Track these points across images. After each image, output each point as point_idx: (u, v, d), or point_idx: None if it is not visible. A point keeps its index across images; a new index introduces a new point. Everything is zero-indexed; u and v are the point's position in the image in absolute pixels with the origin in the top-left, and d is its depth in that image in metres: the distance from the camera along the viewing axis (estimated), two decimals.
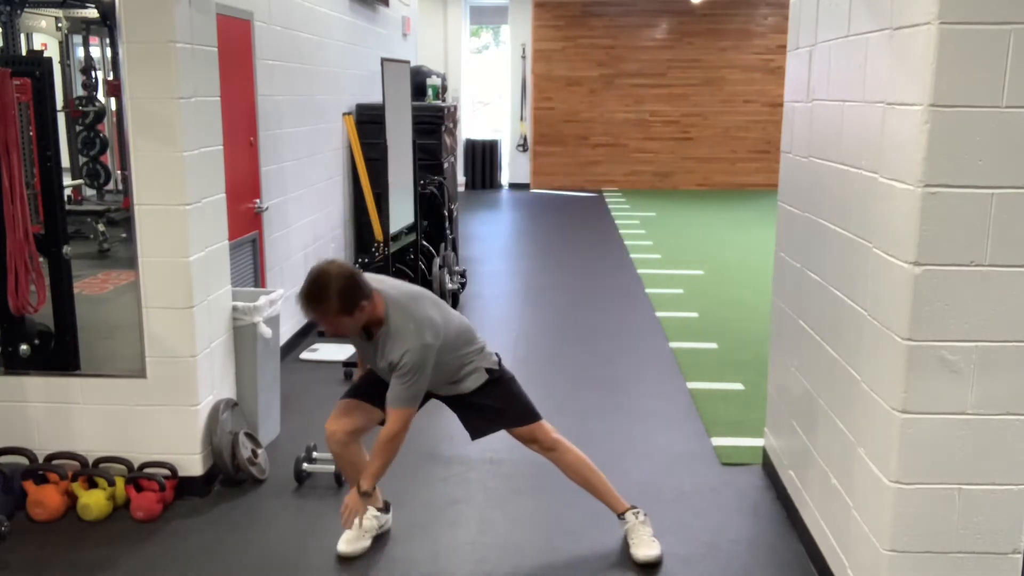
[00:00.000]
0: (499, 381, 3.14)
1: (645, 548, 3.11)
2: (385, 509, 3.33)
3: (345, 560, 3.14)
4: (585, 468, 3.20)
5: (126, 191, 3.42)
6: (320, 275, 2.80)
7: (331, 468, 3.73)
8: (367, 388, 3.14)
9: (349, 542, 3.17)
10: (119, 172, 3.72)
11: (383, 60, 5.11)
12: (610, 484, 3.24)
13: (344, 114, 6.43)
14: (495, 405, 3.13)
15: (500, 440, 4.21)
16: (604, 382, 5.06)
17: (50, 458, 3.53)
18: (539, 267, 8.35)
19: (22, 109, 3.30)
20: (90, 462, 3.53)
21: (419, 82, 7.95)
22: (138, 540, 3.26)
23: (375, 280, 2.98)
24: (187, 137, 3.36)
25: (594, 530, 3.34)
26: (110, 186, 3.91)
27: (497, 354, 3.18)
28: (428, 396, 3.12)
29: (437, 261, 6.14)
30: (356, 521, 3.08)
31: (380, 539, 3.27)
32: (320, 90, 6.21)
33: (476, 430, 3.21)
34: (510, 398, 3.15)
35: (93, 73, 3.86)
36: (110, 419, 3.54)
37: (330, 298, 2.77)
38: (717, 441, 4.19)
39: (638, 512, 3.20)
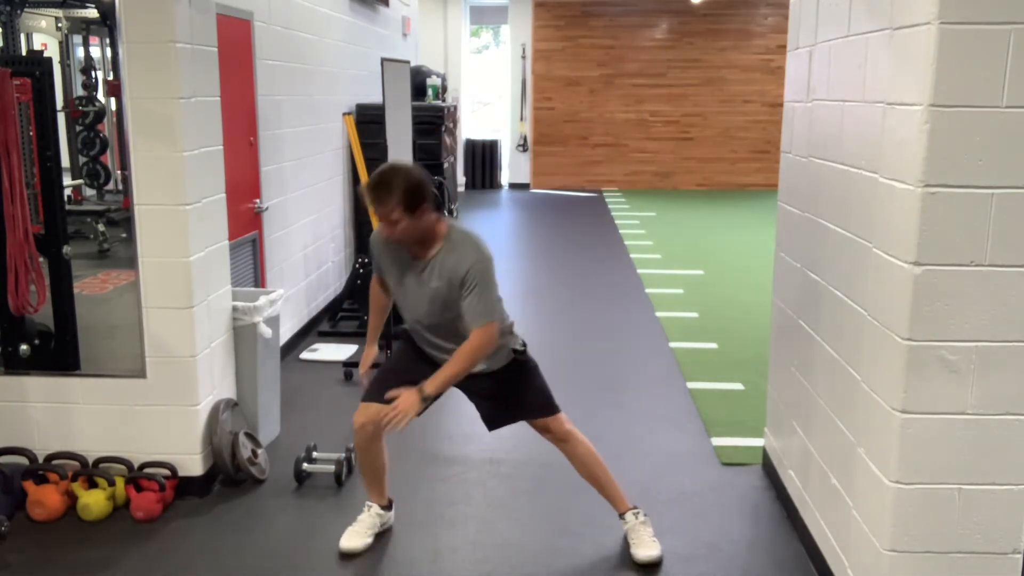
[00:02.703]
0: (524, 365, 3.11)
1: (645, 548, 3.11)
2: (388, 507, 3.33)
3: (346, 557, 3.14)
4: (594, 463, 3.20)
5: (126, 191, 3.42)
6: (390, 168, 2.82)
7: (331, 468, 3.73)
8: (385, 388, 3.10)
9: (351, 539, 3.18)
10: (119, 172, 3.72)
11: (383, 60, 5.11)
12: (616, 482, 3.24)
13: (344, 114, 6.42)
14: (515, 392, 3.10)
15: (500, 440, 4.21)
16: (604, 382, 5.06)
17: (50, 458, 3.53)
18: (539, 267, 8.35)
19: (22, 109, 3.30)
20: (90, 462, 3.53)
21: (419, 82, 7.96)
22: (138, 540, 3.26)
23: None
24: (187, 137, 3.36)
25: (594, 530, 3.34)
26: (110, 186, 3.91)
27: (524, 340, 3.16)
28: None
29: None
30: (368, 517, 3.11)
31: (380, 538, 3.27)
32: (320, 90, 6.21)
33: (493, 420, 3.18)
34: (532, 386, 3.12)
35: (93, 73, 3.86)
36: (110, 419, 3.54)
37: (396, 189, 2.74)
38: (717, 441, 4.19)
39: (639, 512, 3.20)
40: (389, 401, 2.86)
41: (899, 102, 2.34)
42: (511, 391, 3.11)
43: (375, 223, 5.94)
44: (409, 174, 2.81)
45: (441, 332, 3.01)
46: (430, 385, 2.85)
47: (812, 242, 3.17)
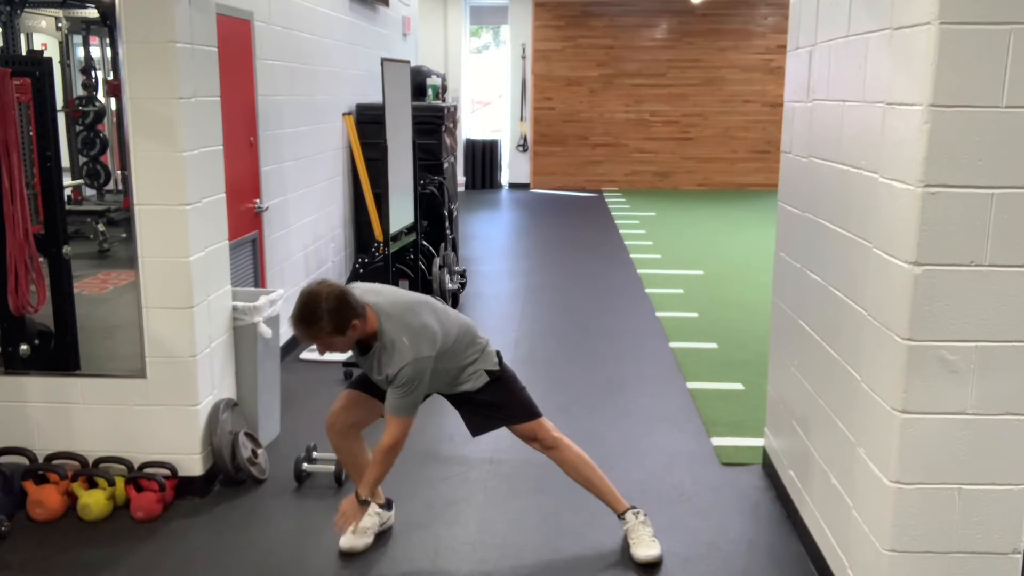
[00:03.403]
0: (500, 380, 3.14)
1: (645, 548, 3.11)
2: (387, 506, 3.33)
3: (346, 556, 3.14)
4: (586, 467, 3.21)
5: (126, 191, 3.42)
6: (310, 297, 2.79)
7: (331, 468, 3.73)
8: (370, 381, 3.14)
9: (351, 538, 3.18)
10: (119, 172, 3.72)
11: (383, 60, 5.11)
12: (611, 484, 3.24)
13: (344, 114, 6.43)
14: (496, 402, 3.13)
15: (500, 440, 4.21)
16: (604, 382, 5.06)
17: (50, 458, 3.53)
18: (539, 267, 8.35)
19: (22, 109, 3.30)
20: (90, 462, 3.53)
21: (419, 82, 7.95)
22: (138, 540, 3.26)
23: (371, 291, 2.97)
24: (187, 137, 3.36)
25: (594, 530, 3.34)
26: (110, 186, 3.91)
27: (499, 352, 3.18)
28: (427, 395, 3.12)
29: (437, 261, 6.14)
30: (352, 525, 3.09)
31: (381, 538, 3.27)
32: (320, 90, 6.21)
33: (476, 427, 3.20)
34: (511, 396, 3.15)
35: (93, 73, 3.86)
36: (110, 419, 3.54)
37: (321, 319, 2.76)
38: (717, 441, 4.19)
39: (638, 512, 3.20)
40: (373, 400, 3.05)
41: (899, 102, 2.33)
42: (489, 400, 3.13)
43: (375, 225, 5.90)
44: (330, 298, 2.78)
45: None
46: (362, 490, 2.96)
47: (812, 242, 3.17)
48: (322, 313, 2.77)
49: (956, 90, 2.17)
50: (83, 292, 3.58)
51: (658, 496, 3.60)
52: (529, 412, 3.15)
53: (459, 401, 3.17)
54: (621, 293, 7.21)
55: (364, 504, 2.97)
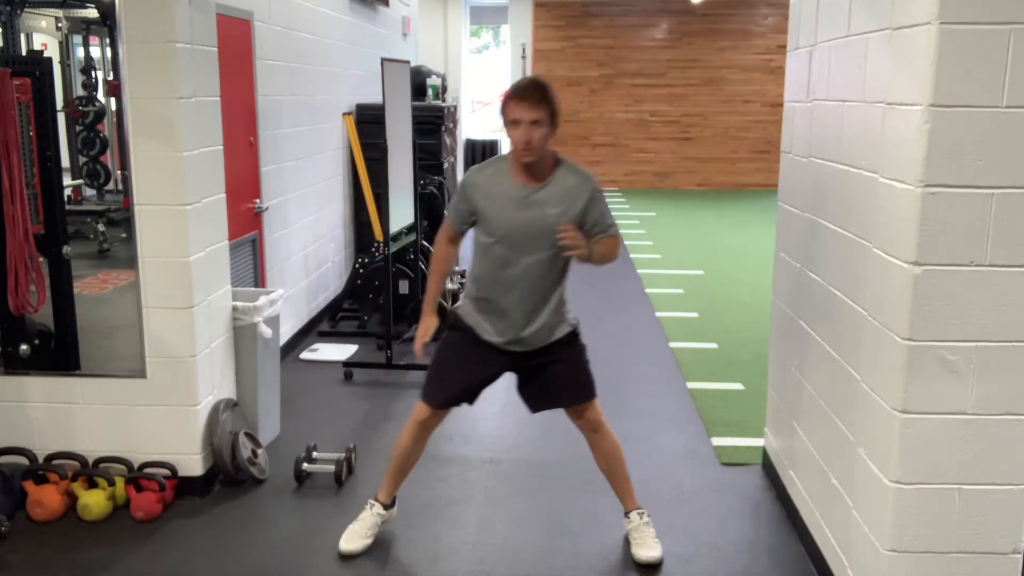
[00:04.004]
0: (577, 340, 3.13)
1: (647, 549, 3.11)
2: (391, 505, 3.33)
3: (346, 558, 3.14)
4: (616, 460, 3.22)
5: (126, 191, 3.42)
6: (540, 79, 2.92)
7: (331, 468, 3.74)
8: (448, 385, 3.12)
9: (351, 540, 3.18)
10: (119, 172, 3.72)
11: (383, 60, 5.11)
12: (631, 482, 3.25)
13: (344, 114, 6.42)
14: (567, 370, 3.10)
15: (500, 440, 4.21)
16: (604, 382, 5.00)
17: (50, 458, 3.53)
18: None
19: (22, 109, 3.30)
20: (90, 462, 3.53)
21: (419, 82, 7.96)
22: (138, 540, 3.26)
23: None
24: (187, 137, 3.36)
25: (594, 530, 3.34)
26: (110, 186, 3.90)
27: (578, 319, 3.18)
28: (510, 362, 3.08)
29: None
30: (360, 525, 3.17)
31: (380, 538, 3.27)
32: (320, 90, 6.21)
33: (539, 400, 3.16)
34: (581, 366, 3.14)
35: (93, 73, 3.86)
36: (110, 419, 3.54)
37: (549, 97, 2.84)
38: (717, 441, 4.19)
39: (643, 513, 3.21)
40: (453, 401, 3.12)
41: (899, 102, 2.34)
42: (563, 367, 3.10)
43: (375, 225, 5.90)
44: (548, 85, 2.90)
45: (531, 278, 2.97)
46: (597, 248, 2.99)
47: (812, 242, 3.17)
48: (550, 94, 2.85)
49: (956, 90, 2.17)
50: (83, 292, 3.58)
51: (658, 496, 3.60)
52: (590, 389, 3.16)
53: (528, 368, 3.09)
54: (621, 293, 7.21)
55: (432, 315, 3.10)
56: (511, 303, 3.00)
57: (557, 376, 3.11)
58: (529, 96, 2.83)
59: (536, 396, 3.17)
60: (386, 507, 3.28)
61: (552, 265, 2.98)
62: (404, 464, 3.24)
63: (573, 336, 3.13)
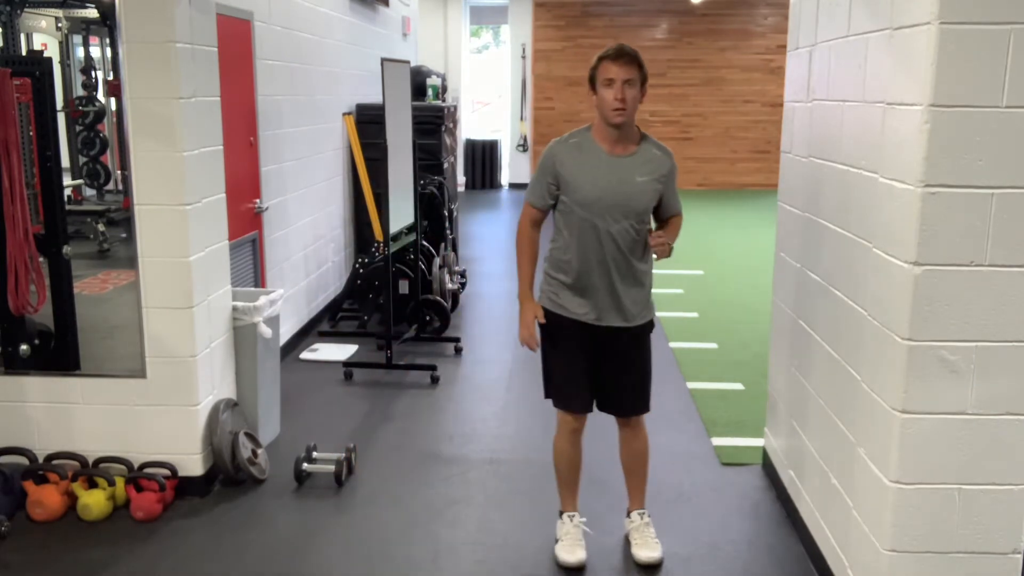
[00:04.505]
0: (648, 340, 3.17)
1: (648, 550, 3.11)
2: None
3: (346, 558, 3.13)
4: (642, 459, 3.23)
5: (126, 191, 3.42)
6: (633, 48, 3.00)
7: (331, 468, 3.74)
8: (581, 390, 3.10)
9: (572, 551, 3.11)
10: (119, 172, 3.72)
11: (383, 60, 5.11)
12: (646, 483, 3.26)
13: (344, 114, 6.42)
14: (635, 381, 3.12)
15: (500, 440, 4.21)
16: None
17: (50, 458, 3.53)
18: (539, 267, 8.34)
19: (22, 109, 3.30)
20: (90, 462, 3.53)
21: (419, 82, 7.95)
22: (138, 540, 3.26)
23: None
24: (187, 137, 3.36)
25: (594, 530, 3.34)
26: (110, 186, 3.90)
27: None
28: (600, 343, 3.06)
29: (437, 261, 6.14)
30: (572, 536, 3.15)
31: (380, 538, 3.27)
32: (320, 90, 6.21)
33: (602, 403, 3.15)
34: (648, 374, 3.17)
35: (93, 73, 3.86)
36: (110, 419, 3.54)
37: (641, 61, 2.91)
38: (717, 441, 4.19)
39: (643, 513, 3.22)
40: (589, 401, 3.11)
41: (899, 102, 2.33)
42: (635, 373, 3.12)
43: (375, 225, 5.88)
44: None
45: (620, 248, 2.98)
46: (669, 236, 3.07)
47: (812, 242, 3.17)
48: (642, 60, 2.92)
49: (956, 90, 2.17)
50: (83, 292, 3.58)
51: (658, 496, 3.60)
52: (646, 402, 3.19)
53: (613, 350, 3.07)
54: None
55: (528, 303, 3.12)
56: (601, 275, 3.00)
57: (628, 382, 3.12)
58: (623, 56, 2.88)
59: (606, 395, 3.13)
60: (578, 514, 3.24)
61: (639, 236, 3.00)
62: (573, 471, 3.20)
63: (650, 327, 3.16)
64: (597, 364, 3.09)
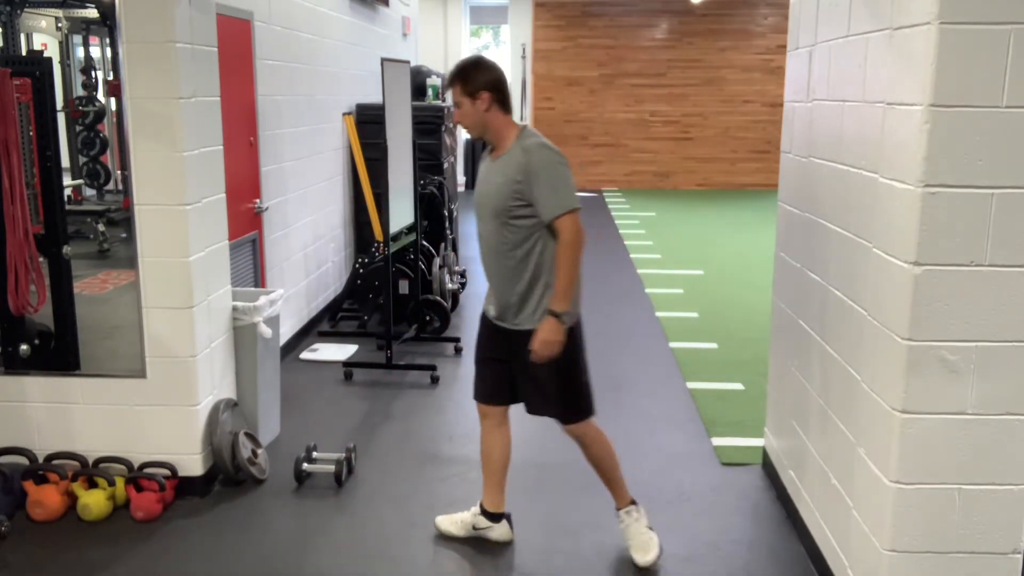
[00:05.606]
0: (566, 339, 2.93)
1: (642, 552, 3.10)
2: (496, 519, 3.28)
3: (346, 558, 3.13)
4: (601, 464, 3.17)
5: (126, 191, 3.42)
6: (464, 59, 3.03)
7: (331, 468, 3.74)
8: (482, 383, 3.16)
9: (647, 550, 3.10)
10: (119, 172, 3.72)
11: (383, 60, 5.11)
12: (620, 478, 3.19)
13: (344, 114, 6.42)
14: (535, 385, 3.03)
15: None
16: (604, 382, 5.05)
17: (50, 458, 3.53)
18: None
19: (22, 109, 3.30)
20: (90, 462, 3.53)
21: (419, 82, 7.95)
22: (138, 540, 3.26)
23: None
24: (187, 137, 3.36)
25: (594, 530, 3.34)
26: (110, 186, 3.90)
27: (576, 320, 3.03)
28: (495, 340, 3.07)
29: (437, 261, 6.14)
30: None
31: (380, 538, 3.27)
32: (320, 90, 6.21)
33: (529, 403, 3.11)
34: (554, 382, 2.99)
35: (93, 73, 3.86)
36: (110, 419, 3.54)
37: (458, 72, 2.95)
38: (717, 441, 4.19)
39: (630, 511, 3.17)
40: (486, 397, 3.12)
41: (899, 102, 2.34)
42: (536, 375, 2.98)
43: (375, 225, 5.90)
44: (476, 61, 2.98)
45: (488, 245, 3.00)
46: (556, 304, 2.87)
47: (812, 242, 3.17)
48: (461, 67, 2.95)
49: (956, 90, 2.17)
50: (83, 292, 3.58)
51: (658, 496, 3.60)
52: (570, 410, 3.06)
53: (519, 359, 3.00)
54: (621, 293, 7.21)
55: (562, 320, 2.87)
56: (489, 275, 3.09)
57: (529, 385, 3.06)
58: (448, 82, 2.99)
59: (524, 393, 3.11)
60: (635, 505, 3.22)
61: (504, 238, 2.93)
62: (485, 463, 3.25)
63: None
64: (507, 361, 3.10)
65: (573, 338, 2.99)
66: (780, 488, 3.57)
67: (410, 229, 5.75)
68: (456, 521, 3.29)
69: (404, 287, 5.88)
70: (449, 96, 2.99)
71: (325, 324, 6.14)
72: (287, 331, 5.40)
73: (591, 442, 3.13)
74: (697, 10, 13.80)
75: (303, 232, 5.90)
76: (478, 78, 2.93)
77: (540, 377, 2.99)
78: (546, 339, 2.87)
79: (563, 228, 2.86)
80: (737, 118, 14.11)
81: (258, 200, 5.02)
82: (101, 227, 3.79)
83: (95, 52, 3.87)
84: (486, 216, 2.99)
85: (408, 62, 5.99)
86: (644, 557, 3.10)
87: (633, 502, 3.22)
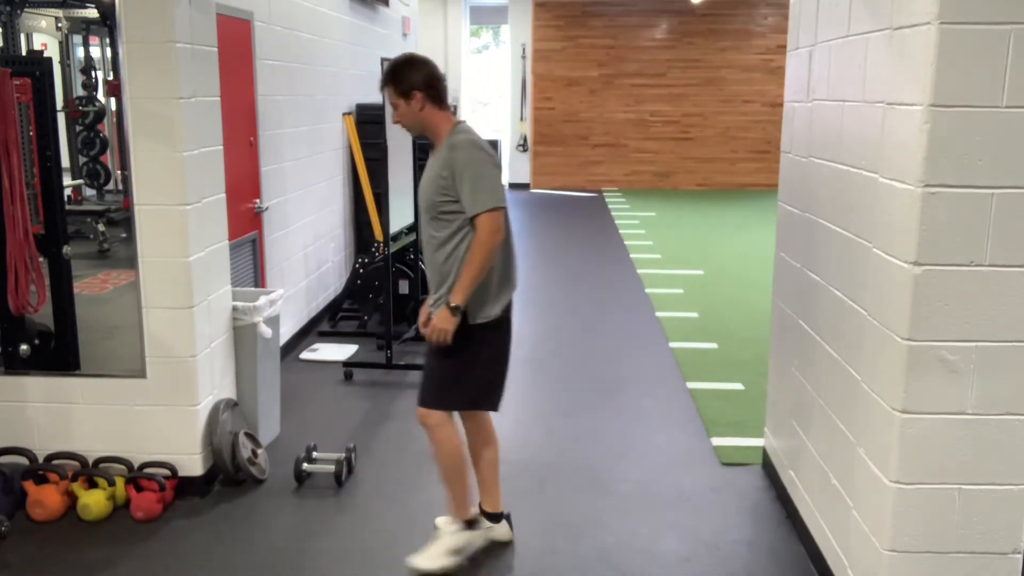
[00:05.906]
0: (460, 341, 2.90)
1: (426, 557, 3.06)
2: (474, 525, 3.23)
3: (346, 558, 3.13)
4: (443, 467, 3.10)
5: (126, 191, 3.42)
6: (398, 57, 2.97)
7: (331, 468, 3.74)
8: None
9: (430, 558, 3.07)
10: (119, 172, 3.72)
11: (383, 60, 5.11)
12: (463, 495, 3.14)
13: (344, 114, 6.43)
14: (426, 368, 3.04)
15: (500, 440, 4.19)
16: (604, 382, 5.05)
17: (50, 458, 3.53)
18: (539, 267, 8.35)
19: (22, 109, 3.30)
20: (90, 462, 3.53)
21: None
22: (138, 540, 3.26)
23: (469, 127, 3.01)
24: (187, 137, 3.36)
25: (594, 530, 3.34)
26: (110, 186, 3.91)
27: (509, 304, 3.02)
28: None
29: None
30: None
31: (380, 538, 3.27)
32: (320, 90, 6.21)
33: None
34: (440, 366, 2.98)
35: (93, 73, 3.86)
36: (110, 419, 3.54)
37: (389, 72, 2.92)
38: (717, 441, 4.19)
39: (457, 527, 3.14)
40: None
41: (899, 102, 2.34)
42: (432, 355, 2.99)
43: (375, 225, 5.89)
44: (406, 60, 2.94)
45: (423, 239, 3.02)
46: (454, 296, 2.86)
47: (812, 242, 3.17)
48: (392, 66, 2.91)
49: (956, 90, 2.17)
50: (83, 292, 3.58)
51: (658, 496, 3.61)
52: (434, 396, 3.02)
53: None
54: (621, 293, 7.21)
55: (455, 312, 2.84)
56: (425, 268, 3.08)
57: (425, 367, 3.07)
58: (381, 84, 3.00)
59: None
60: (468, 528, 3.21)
61: (434, 231, 2.96)
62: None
63: (469, 330, 2.92)
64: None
65: (479, 337, 2.95)
66: (780, 488, 3.57)
67: (410, 229, 5.75)
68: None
69: (404, 287, 5.88)
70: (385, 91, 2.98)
71: (325, 324, 6.14)
72: (287, 331, 5.40)
73: (436, 441, 3.06)
74: (697, 10, 13.80)
75: (303, 232, 5.90)
76: (409, 77, 2.91)
77: (430, 362, 3.03)
78: (435, 326, 2.90)
79: (480, 226, 2.86)
80: (737, 118, 14.11)
81: (258, 200, 5.02)
82: (101, 227, 3.79)
83: (95, 52, 3.87)
84: (421, 210, 3.02)
85: None
86: (421, 559, 3.05)
87: (468, 523, 3.15)
